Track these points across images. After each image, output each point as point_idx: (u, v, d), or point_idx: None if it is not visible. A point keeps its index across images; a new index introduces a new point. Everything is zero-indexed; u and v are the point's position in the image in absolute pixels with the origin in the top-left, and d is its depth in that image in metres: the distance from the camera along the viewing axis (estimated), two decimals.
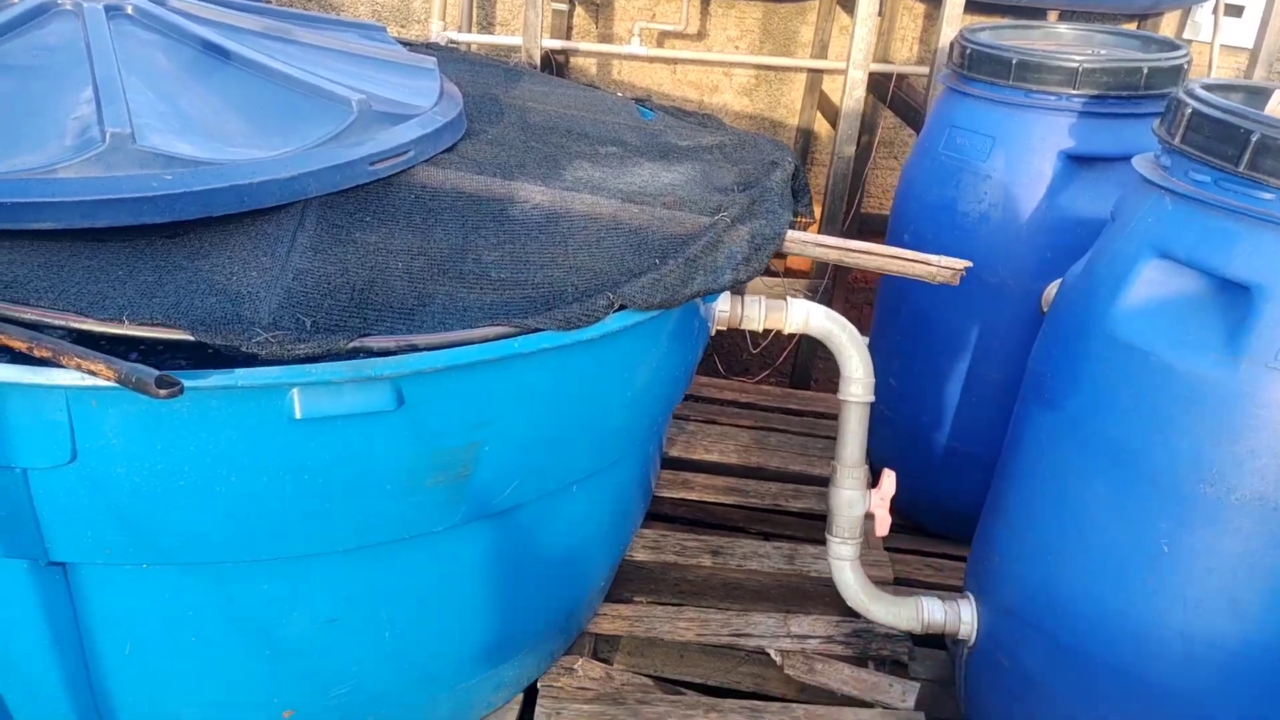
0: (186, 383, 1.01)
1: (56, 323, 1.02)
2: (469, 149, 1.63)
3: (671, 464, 2.33)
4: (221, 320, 1.06)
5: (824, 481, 2.02)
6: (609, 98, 2.13)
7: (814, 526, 2.16)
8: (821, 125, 3.80)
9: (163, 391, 0.90)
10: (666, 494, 2.22)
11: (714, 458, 2.37)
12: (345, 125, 1.42)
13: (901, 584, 2.07)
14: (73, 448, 1.06)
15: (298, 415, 1.08)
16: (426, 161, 1.52)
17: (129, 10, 1.56)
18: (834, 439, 1.69)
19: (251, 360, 1.03)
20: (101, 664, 1.28)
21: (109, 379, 0.94)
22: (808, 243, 1.58)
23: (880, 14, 3.17)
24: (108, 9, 1.53)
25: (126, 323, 1.02)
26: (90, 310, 1.03)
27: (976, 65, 1.96)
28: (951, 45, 2.08)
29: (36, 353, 0.97)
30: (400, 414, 1.14)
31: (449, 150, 1.59)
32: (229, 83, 1.49)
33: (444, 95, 1.69)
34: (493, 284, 1.23)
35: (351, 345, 1.07)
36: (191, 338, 1.03)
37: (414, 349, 1.09)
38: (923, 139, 2.17)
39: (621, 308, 1.23)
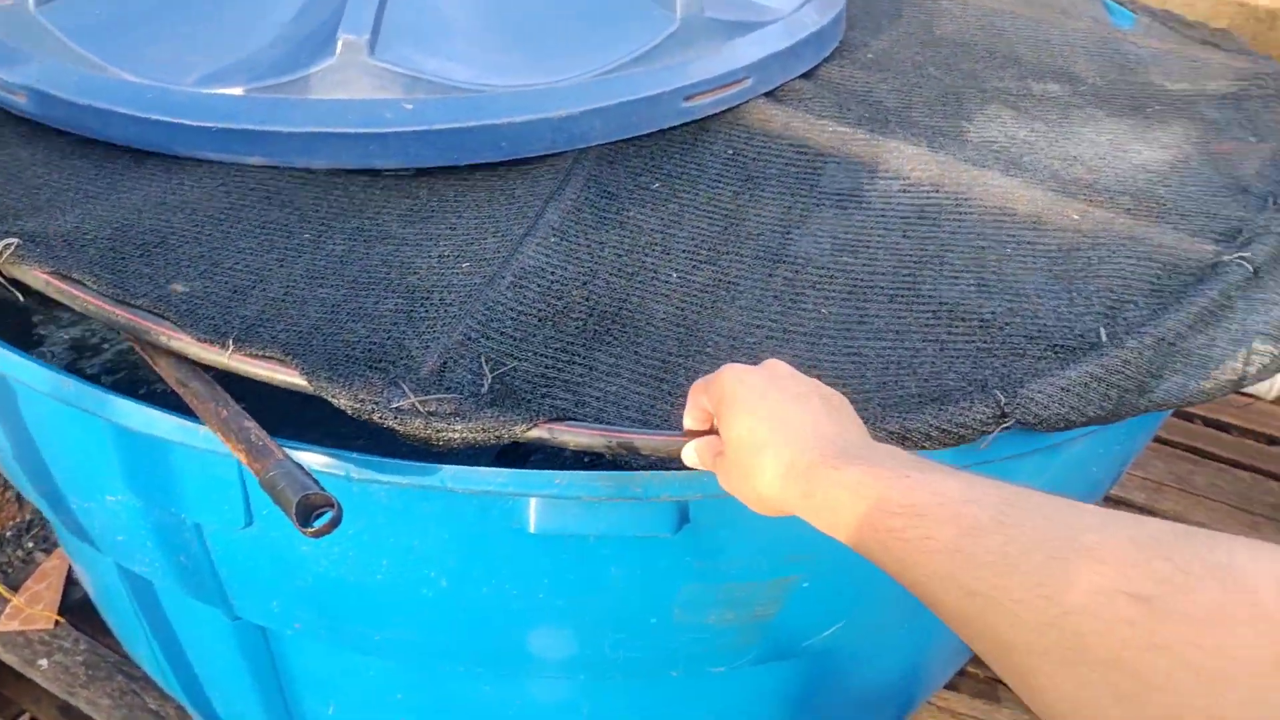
0: (381, 477, 0.68)
1: (149, 336, 0.71)
2: (835, 73, 1.15)
3: None
4: (353, 364, 0.70)
5: None
6: None
7: None
8: None
9: (308, 530, 0.57)
10: None
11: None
12: (660, 39, 1.01)
13: None
14: (248, 512, 0.78)
15: (532, 529, 0.73)
16: (769, 94, 1.08)
17: None
18: None
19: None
20: (304, 714, 1.06)
21: (254, 473, 0.62)
22: None
23: None
24: None
25: (231, 351, 0.69)
26: (195, 322, 0.71)
27: None
28: None
29: (185, 398, 0.69)
30: (679, 539, 0.75)
31: (807, 76, 1.13)
32: None
33: None
34: (805, 335, 0.79)
35: (532, 432, 0.67)
36: (308, 386, 0.68)
37: (633, 451, 0.67)
38: None
39: (1015, 423, 0.71)
